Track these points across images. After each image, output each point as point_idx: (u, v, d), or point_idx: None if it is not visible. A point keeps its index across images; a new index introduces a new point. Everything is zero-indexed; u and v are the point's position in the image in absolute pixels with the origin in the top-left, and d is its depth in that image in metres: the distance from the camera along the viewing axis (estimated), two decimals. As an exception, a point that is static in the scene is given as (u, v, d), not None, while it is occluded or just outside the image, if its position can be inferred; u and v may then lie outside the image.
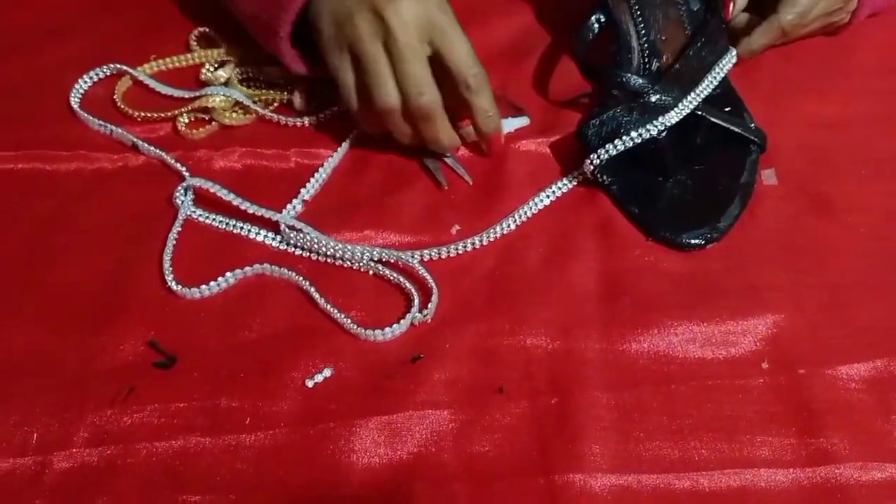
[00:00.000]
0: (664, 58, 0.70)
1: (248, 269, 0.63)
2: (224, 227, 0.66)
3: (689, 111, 0.66)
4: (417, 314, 0.60)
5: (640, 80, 0.67)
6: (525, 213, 0.67)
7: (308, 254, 0.65)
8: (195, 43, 0.80)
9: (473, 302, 0.62)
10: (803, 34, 0.76)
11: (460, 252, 0.65)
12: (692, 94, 0.67)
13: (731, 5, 0.74)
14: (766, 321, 0.59)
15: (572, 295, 0.62)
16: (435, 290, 0.61)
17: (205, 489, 0.53)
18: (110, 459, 0.54)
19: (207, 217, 0.67)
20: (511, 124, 0.72)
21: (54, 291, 0.63)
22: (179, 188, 0.68)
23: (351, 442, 0.54)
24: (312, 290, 0.61)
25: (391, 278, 0.63)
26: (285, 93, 0.75)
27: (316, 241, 0.64)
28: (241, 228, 0.66)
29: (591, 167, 0.67)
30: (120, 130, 0.72)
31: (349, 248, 0.63)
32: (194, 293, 0.62)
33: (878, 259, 0.63)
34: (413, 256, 0.63)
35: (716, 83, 0.68)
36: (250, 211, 0.66)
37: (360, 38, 0.63)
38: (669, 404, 0.56)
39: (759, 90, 0.74)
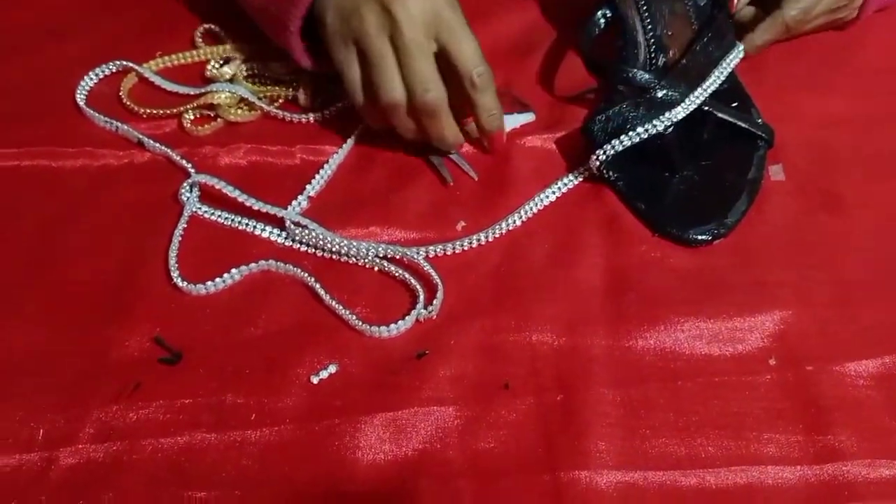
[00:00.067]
0: (671, 53, 0.69)
1: (253, 265, 0.63)
2: (229, 223, 0.66)
3: (695, 106, 0.66)
4: (423, 310, 0.60)
5: (647, 76, 0.67)
6: (531, 209, 0.66)
7: (313, 250, 0.65)
8: (200, 40, 0.79)
9: (479, 298, 0.62)
10: (808, 30, 0.76)
11: (465, 248, 0.64)
12: (699, 90, 0.67)
13: None
14: (773, 317, 0.59)
15: (578, 291, 0.61)
16: (440, 287, 0.61)
17: (210, 485, 0.52)
18: (116, 455, 0.54)
19: (213, 213, 0.67)
20: (516, 120, 0.72)
21: (59, 288, 0.63)
22: (185, 185, 0.68)
23: (356, 438, 0.54)
24: (318, 286, 0.61)
25: (396, 275, 0.63)
26: (290, 89, 0.75)
27: (321, 237, 0.64)
28: (247, 225, 0.66)
29: (597, 163, 0.66)
30: (126, 127, 0.72)
31: (354, 244, 0.63)
32: (200, 290, 0.62)
33: (886, 255, 0.63)
34: (418, 253, 0.63)
35: (723, 78, 0.68)
36: (255, 207, 0.66)
37: (367, 32, 0.63)
38: (676, 401, 0.56)
39: (767, 86, 0.73)
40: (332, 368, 0.58)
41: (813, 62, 0.77)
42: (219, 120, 0.73)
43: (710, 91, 0.67)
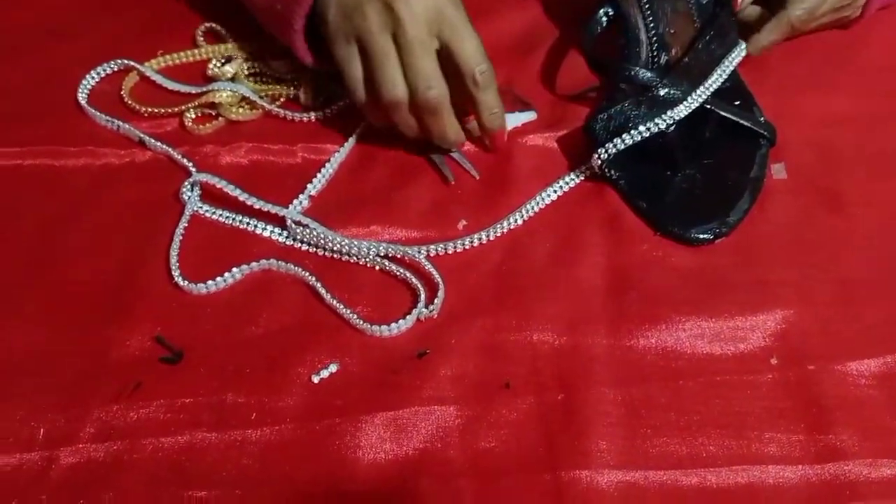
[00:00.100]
0: (673, 51, 0.69)
1: (254, 264, 0.63)
2: (230, 222, 0.66)
3: (697, 105, 0.66)
4: (424, 309, 0.60)
5: (649, 74, 0.67)
6: (532, 207, 0.66)
7: (314, 249, 0.65)
8: (202, 38, 0.80)
9: (480, 297, 0.62)
10: (812, 28, 0.76)
11: (467, 247, 0.64)
12: (701, 88, 0.67)
13: None
14: (775, 317, 0.59)
15: (579, 290, 0.61)
16: (441, 286, 0.61)
17: (211, 484, 0.52)
18: (116, 455, 0.54)
19: (214, 212, 0.67)
20: (518, 119, 0.72)
21: (60, 287, 0.63)
22: (186, 184, 0.68)
23: (357, 438, 0.54)
24: (319, 285, 0.61)
25: (397, 274, 0.63)
26: (292, 88, 0.75)
27: (322, 236, 0.64)
28: (248, 224, 0.66)
29: (599, 161, 0.66)
30: (127, 126, 0.72)
31: (355, 243, 0.63)
32: (201, 289, 0.62)
33: (888, 254, 0.63)
34: (419, 252, 0.63)
35: (725, 76, 0.68)
36: (257, 206, 0.66)
37: (369, 29, 0.62)
38: (677, 400, 0.55)
39: (769, 84, 0.73)
40: (333, 367, 0.58)
41: (815, 61, 0.77)
42: (220, 119, 0.73)
43: (712, 89, 0.67)
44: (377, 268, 0.63)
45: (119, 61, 0.77)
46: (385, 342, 0.59)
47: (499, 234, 0.65)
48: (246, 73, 0.76)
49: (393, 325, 0.59)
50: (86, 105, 0.74)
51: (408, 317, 0.60)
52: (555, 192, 0.67)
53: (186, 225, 0.66)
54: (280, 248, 0.65)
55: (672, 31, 0.69)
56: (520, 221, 0.66)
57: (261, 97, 0.74)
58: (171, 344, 0.59)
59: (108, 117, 0.73)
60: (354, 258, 0.64)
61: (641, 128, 0.65)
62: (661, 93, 0.66)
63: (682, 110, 0.65)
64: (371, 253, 0.63)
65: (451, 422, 0.55)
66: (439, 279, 0.61)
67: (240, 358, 0.58)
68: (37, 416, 0.55)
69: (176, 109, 0.73)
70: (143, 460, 0.53)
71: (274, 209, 0.66)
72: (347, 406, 0.56)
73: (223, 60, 0.77)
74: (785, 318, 0.59)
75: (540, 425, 0.55)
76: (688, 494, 0.52)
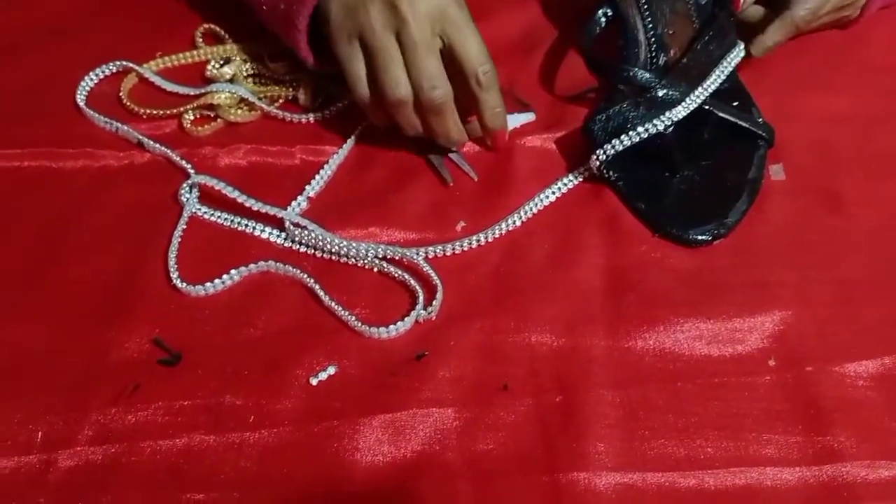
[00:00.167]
0: (671, 52, 0.69)
1: (252, 266, 0.63)
2: (229, 224, 0.66)
3: (696, 106, 0.66)
4: (422, 311, 0.60)
5: (647, 75, 0.67)
6: (531, 209, 0.66)
7: (313, 251, 0.65)
8: (201, 40, 0.79)
9: (478, 299, 0.62)
10: (814, 28, 0.75)
11: (465, 249, 0.64)
12: (699, 89, 0.66)
13: None
14: (773, 318, 0.59)
15: (578, 291, 0.61)
16: (440, 287, 0.61)
17: (209, 487, 0.53)
18: (114, 457, 0.54)
19: (212, 214, 0.67)
20: (517, 120, 0.72)
21: (59, 289, 0.63)
22: (184, 185, 0.68)
23: (355, 440, 0.54)
24: (317, 287, 0.61)
25: (396, 275, 0.63)
26: (291, 89, 0.75)
27: (321, 238, 0.64)
28: (246, 226, 0.66)
29: (598, 163, 0.66)
30: (126, 128, 0.72)
31: (354, 245, 0.63)
32: (199, 291, 0.62)
33: (887, 255, 0.63)
34: (418, 253, 0.63)
35: (723, 77, 0.68)
36: (255, 208, 0.66)
37: (372, 28, 0.62)
38: (675, 402, 0.55)
39: (768, 85, 0.73)
40: (332, 370, 0.58)
41: (815, 61, 0.77)
42: (219, 120, 0.73)
43: (710, 90, 0.67)
44: (375, 269, 0.63)
45: (118, 63, 0.77)
46: (383, 344, 0.59)
47: (497, 236, 0.65)
48: (245, 74, 0.76)
49: (391, 326, 0.59)
50: (84, 107, 0.74)
51: (406, 318, 0.60)
52: (553, 193, 0.67)
53: (185, 227, 0.66)
54: (278, 250, 0.65)
55: (671, 32, 0.69)
56: (518, 223, 0.66)
57: (259, 98, 0.74)
58: (170, 346, 0.59)
59: (106, 119, 0.73)
60: (353, 260, 0.64)
61: (640, 129, 0.65)
62: (660, 94, 0.66)
63: (680, 111, 0.65)
64: (369, 254, 0.63)
65: (449, 424, 0.55)
66: (438, 281, 0.61)
67: (238, 360, 0.58)
68: (35, 418, 0.55)
69: (174, 111, 0.73)
70: (141, 463, 0.54)
71: (272, 211, 0.66)
72: (346, 408, 0.56)
73: (222, 62, 0.77)
74: (783, 319, 0.59)
75: (538, 427, 0.55)
76: (686, 496, 0.52)
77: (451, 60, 0.64)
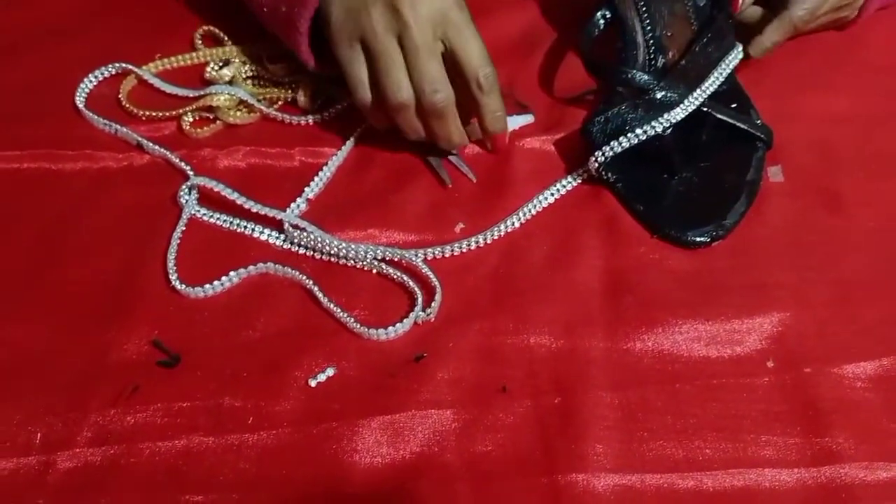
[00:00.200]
0: (670, 54, 0.69)
1: (251, 268, 0.63)
2: (228, 226, 0.67)
3: (694, 108, 0.66)
4: (421, 313, 0.60)
5: (646, 77, 0.67)
6: (529, 210, 0.66)
7: (312, 253, 0.65)
8: (200, 41, 0.80)
9: (477, 300, 0.62)
10: (811, 29, 0.75)
11: (464, 250, 0.64)
12: (698, 91, 0.67)
13: None
14: (771, 319, 0.59)
15: (576, 293, 0.61)
16: (438, 289, 0.61)
17: (207, 489, 0.53)
18: (113, 459, 0.54)
19: (212, 216, 0.67)
20: (516, 122, 0.72)
21: (59, 290, 0.63)
22: (184, 187, 0.68)
23: (354, 441, 0.54)
24: (316, 289, 0.61)
25: (395, 277, 0.63)
26: (290, 91, 0.75)
27: (320, 239, 0.64)
28: (245, 227, 0.66)
29: (596, 164, 0.66)
30: (125, 129, 0.72)
31: (353, 246, 0.63)
32: (198, 292, 0.62)
33: (886, 255, 0.63)
34: (417, 255, 0.63)
35: (722, 79, 0.68)
36: (254, 210, 0.66)
37: (374, 31, 0.62)
38: (674, 403, 0.56)
39: (766, 86, 0.73)
40: (330, 371, 0.58)
41: (814, 61, 0.77)
42: (218, 122, 0.73)
43: (709, 92, 0.67)
44: (374, 271, 0.64)
45: (117, 65, 0.77)
46: (382, 346, 0.59)
47: (496, 238, 0.65)
48: (244, 76, 0.76)
49: (390, 328, 0.59)
50: (83, 109, 0.74)
51: (405, 320, 0.60)
52: (552, 195, 0.67)
53: (184, 228, 0.66)
54: (277, 252, 0.65)
55: (669, 34, 0.70)
56: (517, 224, 0.66)
57: (258, 100, 0.74)
58: (169, 348, 0.59)
59: (105, 121, 0.73)
60: (352, 261, 0.64)
61: (638, 130, 0.65)
62: (658, 96, 0.66)
63: (678, 113, 0.65)
64: (368, 256, 0.63)
65: (447, 425, 0.55)
66: (436, 282, 0.61)
67: (237, 362, 0.58)
68: (34, 420, 0.55)
69: (174, 113, 0.73)
70: (140, 465, 0.54)
71: (271, 212, 0.66)
72: (344, 410, 0.56)
73: (221, 64, 0.77)
74: (781, 320, 0.59)
75: (537, 429, 0.55)
76: (684, 498, 0.52)
77: (452, 64, 0.64)
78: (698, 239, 0.63)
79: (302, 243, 0.65)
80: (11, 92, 0.77)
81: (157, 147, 0.71)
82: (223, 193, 0.66)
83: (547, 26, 0.81)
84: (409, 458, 0.54)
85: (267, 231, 0.66)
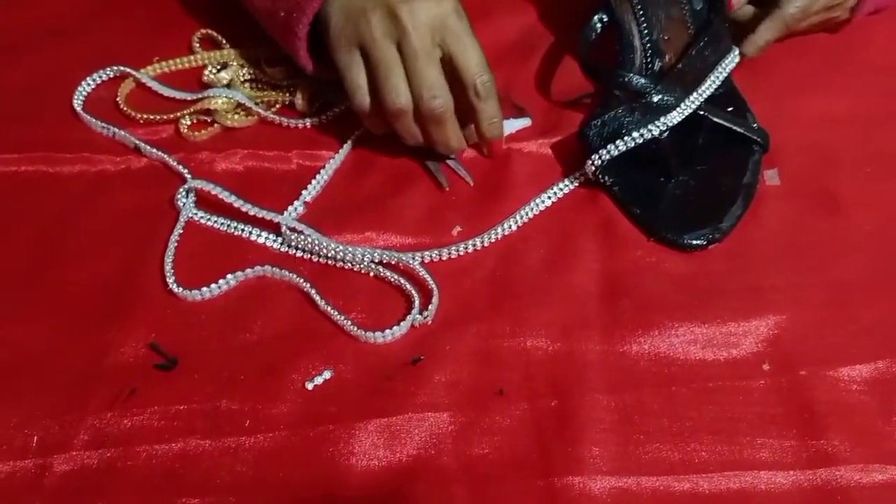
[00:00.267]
0: (667, 57, 0.69)
1: (249, 271, 0.63)
2: (225, 229, 0.67)
3: (691, 111, 0.66)
4: (418, 316, 0.60)
5: (643, 80, 0.67)
6: (526, 214, 0.66)
7: (309, 256, 0.65)
8: (198, 45, 0.80)
9: (474, 303, 0.62)
10: (803, 28, 0.75)
11: (461, 253, 0.65)
12: (694, 94, 0.67)
13: None
14: (767, 322, 0.59)
15: (573, 296, 0.62)
16: (435, 292, 0.61)
17: (204, 492, 0.53)
18: (110, 462, 0.54)
19: (209, 219, 0.67)
20: (513, 125, 0.72)
21: (56, 293, 0.63)
22: (181, 190, 0.68)
23: (350, 444, 0.54)
24: (313, 292, 0.62)
25: (392, 280, 0.63)
26: (288, 94, 0.75)
27: (317, 242, 0.64)
28: (243, 230, 0.66)
29: (593, 168, 0.67)
30: (122, 133, 0.72)
31: (350, 249, 0.63)
32: (195, 295, 0.62)
33: (882, 258, 0.63)
34: (414, 258, 0.63)
35: (718, 83, 0.68)
36: (251, 213, 0.66)
37: (373, 37, 0.63)
38: (670, 406, 0.56)
39: (763, 89, 0.73)
40: (327, 374, 0.58)
41: (809, 65, 0.77)
42: (215, 125, 0.74)
43: (705, 96, 0.67)
44: (371, 274, 0.64)
45: (115, 68, 0.77)
46: (379, 349, 0.59)
47: (493, 241, 0.65)
48: (241, 79, 0.76)
49: (387, 331, 0.59)
50: (81, 112, 0.74)
51: (402, 323, 0.60)
52: (549, 198, 0.68)
53: (181, 231, 0.66)
54: (275, 255, 0.65)
55: (666, 38, 0.70)
56: (514, 227, 0.66)
57: (256, 104, 0.74)
58: (166, 350, 0.59)
59: (103, 124, 0.73)
60: (349, 264, 0.64)
61: (635, 134, 0.65)
62: (655, 99, 0.66)
63: (675, 117, 0.65)
64: (365, 259, 0.63)
65: (444, 428, 0.55)
66: (433, 285, 0.62)
67: (234, 365, 0.58)
68: (31, 423, 0.56)
69: (171, 116, 0.74)
70: (136, 468, 0.54)
71: (269, 215, 0.66)
72: (341, 413, 0.56)
73: (219, 67, 0.77)
74: (777, 323, 0.59)
75: (533, 431, 0.55)
76: (680, 500, 0.52)
77: (450, 70, 0.64)
78: (695, 242, 0.63)
79: (299, 246, 0.65)
80: (10, 92, 0.77)
81: (154, 150, 0.71)
82: (220, 196, 0.66)
83: (544, 30, 0.81)
84: (406, 461, 0.54)
85: (264, 234, 0.66)
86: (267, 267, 0.63)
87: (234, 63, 0.77)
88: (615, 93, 0.69)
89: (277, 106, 0.75)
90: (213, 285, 0.62)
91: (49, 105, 0.75)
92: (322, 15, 0.66)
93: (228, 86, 0.75)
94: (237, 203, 0.66)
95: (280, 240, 0.66)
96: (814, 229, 0.65)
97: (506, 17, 0.82)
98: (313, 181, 0.69)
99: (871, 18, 0.78)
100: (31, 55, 0.80)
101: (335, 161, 0.71)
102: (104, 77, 0.77)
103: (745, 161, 0.67)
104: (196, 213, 0.67)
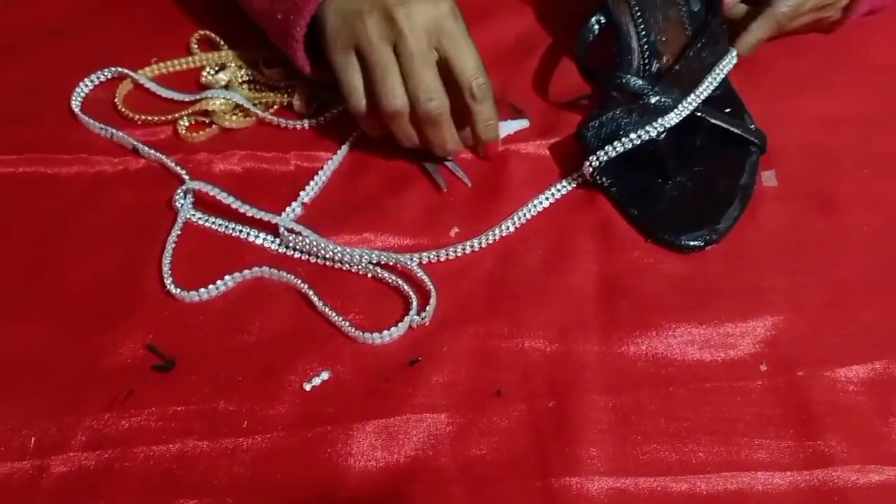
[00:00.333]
0: (664, 59, 0.70)
1: (246, 272, 0.63)
2: (223, 230, 0.67)
3: (688, 112, 0.66)
4: (416, 317, 0.60)
5: (640, 82, 0.67)
6: (524, 215, 0.67)
7: (307, 257, 0.65)
8: (196, 46, 0.80)
9: (472, 304, 0.62)
10: (796, 27, 0.75)
11: (459, 254, 0.65)
12: (692, 96, 0.67)
13: None
14: (764, 323, 0.59)
15: (571, 297, 0.62)
16: (433, 293, 0.61)
17: (202, 493, 0.53)
18: (108, 463, 0.54)
19: (207, 220, 0.67)
20: (511, 126, 0.72)
21: (54, 294, 0.63)
22: (179, 191, 0.68)
23: (348, 445, 0.54)
24: (311, 293, 0.62)
25: (390, 281, 0.63)
26: (286, 95, 0.75)
27: (315, 243, 0.64)
28: (241, 231, 0.66)
29: (591, 169, 0.67)
30: (120, 134, 0.72)
31: (348, 250, 0.63)
32: (193, 296, 0.62)
33: (879, 259, 0.63)
34: (412, 259, 0.63)
35: (716, 84, 0.68)
36: (249, 214, 0.66)
37: (369, 39, 0.63)
38: (667, 407, 0.56)
39: (760, 90, 0.73)
40: (325, 375, 0.58)
41: (806, 65, 0.77)
42: (213, 126, 0.74)
43: (703, 97, 0.67)
44: (369, 275, 0.64)
45: (113, 69, 0.77)
46: (377, 350, 0.59)
47: (491, 242, 0.65)
48: (239, 80, 0.76)
49: (385, 332, 0.59)
50: (79, 113, 0.74)
51: (400, 324, 0.60)
52: (547, 199, 0.68)
53: (179, 232, 0.66)
54: (273, 256, 0.65)
55: (664, 39, 0.70)
56: (512, 229, 0.66)
57: (254, 105, 0.74)
58: (163, 352, 0.59)
59: (101, 125, 0.73)
60: (347, 266, 0.64)
61: (633, 135, 0.65)
62: (653, 100, 0.66)
63: (673, 118, 0.66)
64: (363, 260, 0.63)
65: (442, 429, 0.55)
66: (431, 286, 0.62)
67: (232, 366, 0.58)
68: (28, 424, 0.55)
69: (169, 117, 0.74)
70: (134, 469, 0.54)
71: (267, 217, 0.66)
72: (339, 414, 0.56)
73: (217, 68, 0.77)
74: (774, 324, 0.59)
75: (531, 432, 0.55)
76: (678, 501, 0.52)
77: (446, 72, 0.64)
78: (692, 243, 0.64)
79: (297, 247, 0.65)
80: (9, 92, 0.77)
81: (152, 151, 0.71)
82: (218, 197, 0.66)
83: (542, 31, 0.81)
84: (404, 462, 0.54)
85: (262, 235, 0.66)
86: (265, 268, 0.63)
87: (233, 64, 0.77)
88: (613, 94, 0.69)
89: (275, 107, 0.75)
90: (210, 286, 0.62)
91: (47, 106, 0.76)
92: (319, 17, 0.66)
93: (226, 87, 0.76)
94: (235, 204, 0.66)
95: (278, 241, 0.66)
96: (811, 230, 0.65)
97: (503, 19, 0.82)
98: (311, 182, 0.69)
99: (869, 18, 0.78)
100: (30, 55, 0.80)
101: (333, 162, 0.71)
102: (102, 78, 0.77)
103: (742, 162, 0.67)
104: (194, 214, 0.67)
